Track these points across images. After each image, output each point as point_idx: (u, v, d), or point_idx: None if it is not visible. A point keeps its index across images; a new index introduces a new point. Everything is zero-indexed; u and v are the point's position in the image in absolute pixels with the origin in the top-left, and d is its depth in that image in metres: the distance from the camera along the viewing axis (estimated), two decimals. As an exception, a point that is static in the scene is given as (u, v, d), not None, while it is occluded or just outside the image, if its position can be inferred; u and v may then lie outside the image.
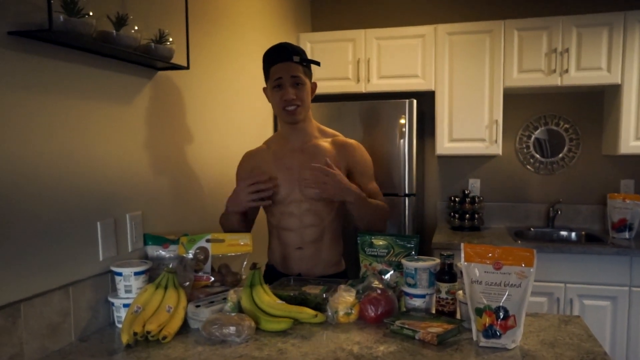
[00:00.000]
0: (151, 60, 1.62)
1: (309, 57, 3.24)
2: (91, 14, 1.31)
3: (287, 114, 1.77)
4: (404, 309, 1.52)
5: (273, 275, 1.87)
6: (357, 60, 3.21)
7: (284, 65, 1.74)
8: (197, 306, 1.45)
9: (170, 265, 1.56)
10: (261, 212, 1.95)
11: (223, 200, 2.20)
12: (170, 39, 1.67)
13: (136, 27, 1.51)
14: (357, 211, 1.77)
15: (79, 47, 1.39)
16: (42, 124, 1.30)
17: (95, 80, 1.49)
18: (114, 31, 1.42)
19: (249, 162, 1.89)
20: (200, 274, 1.66)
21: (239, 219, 1.80)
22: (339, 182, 1.69)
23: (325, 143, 1.83)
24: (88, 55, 1.45)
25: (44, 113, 1.31)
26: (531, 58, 3.00)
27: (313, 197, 1.77)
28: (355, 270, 1.73)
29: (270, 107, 1.86)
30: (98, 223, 1.50)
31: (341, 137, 1.88)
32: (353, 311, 1.48)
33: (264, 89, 1.84)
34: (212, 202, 2.16)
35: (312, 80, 1.84)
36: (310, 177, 1.69)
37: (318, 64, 1.82)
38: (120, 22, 1.44)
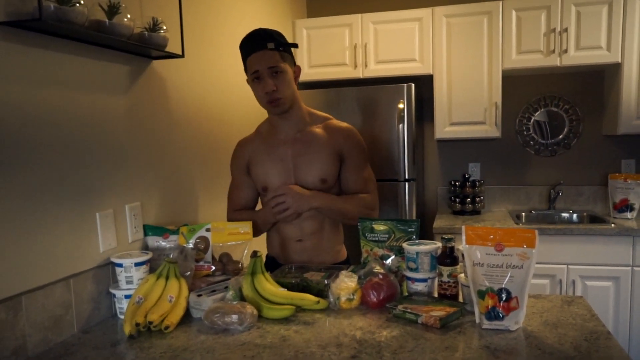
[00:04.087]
0: (145, 49, 1.60)
1: (305, 43, 3.23)
2: (82, 2, 1.29)
3: (271, 107, 1.71)
4: (406, 294, 1.52)
5: (274, 267, 1.85)
6: (354, 46, 3.18)
7: (260, 55, 1.65)
8: (199, 295, 1.45)
9: (171, 256, 1.56)
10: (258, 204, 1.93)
11: (222, 189, 2.18)
12: (164, 27, 1.65)
13: (129, 16, 1.49)
14: (329, 214, 1.78)
15: (71, 36, 1.37)
16: (36, 117, 1.29)
17: (89, 70, 1.47)
18: (107, 20, 1.40)
19: (241, 152, 1.85)
20: (201, 263, 1.66)
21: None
22: (296, 195, 1.68)
23: (317, 129, 1.78)
24: (81, 45, 1.43)
25: (38, 105, 1.29)
26: (530, 38, 2.97)
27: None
28: (357, 256, 1.72)
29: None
30: (97, 214, 1.49)
31: (334, 120, 1.83)
32: (355, 297, 1.47)
33: (247, 81, 1.75)
34: (211, 191, 2.15)
35: (297, 64, 1.77)
36: (273, 205, 1.69)
37: (295, 46, 1.74)
38: (113, 10, 1.42)
